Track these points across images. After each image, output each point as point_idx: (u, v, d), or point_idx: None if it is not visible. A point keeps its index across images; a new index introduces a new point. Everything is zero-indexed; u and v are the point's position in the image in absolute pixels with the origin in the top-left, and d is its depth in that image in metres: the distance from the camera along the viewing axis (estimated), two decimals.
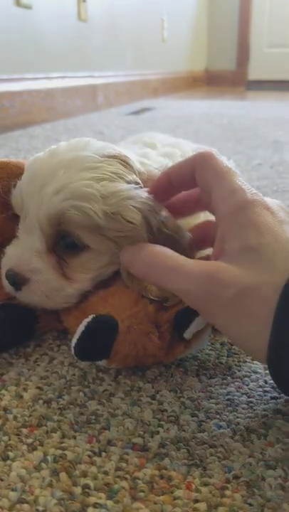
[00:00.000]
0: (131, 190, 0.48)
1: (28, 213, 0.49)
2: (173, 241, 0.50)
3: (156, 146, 0.69)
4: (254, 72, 5.01)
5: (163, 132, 0.85)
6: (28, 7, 2.02)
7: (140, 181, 0.50)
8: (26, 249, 0.49)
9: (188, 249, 0.50)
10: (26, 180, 0.50)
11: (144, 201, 0.49)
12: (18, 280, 0.49)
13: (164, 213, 0.51)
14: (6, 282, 0.50)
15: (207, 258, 0.51)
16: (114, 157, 0.50)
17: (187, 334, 0.45)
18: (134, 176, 0.50)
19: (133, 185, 0.49)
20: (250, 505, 0.34)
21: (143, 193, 0.49)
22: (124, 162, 0.51)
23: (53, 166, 0.49)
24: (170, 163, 0.57)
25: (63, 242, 0.49)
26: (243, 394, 0.45)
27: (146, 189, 0.50)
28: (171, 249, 0.48)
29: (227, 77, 5.08)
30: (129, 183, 0.49)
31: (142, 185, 0.50)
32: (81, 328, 0.45)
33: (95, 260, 0.49)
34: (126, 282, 0.49)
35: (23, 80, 2.04)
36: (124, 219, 0.47)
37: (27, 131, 1.95)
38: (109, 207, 0.47)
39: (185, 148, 0.71)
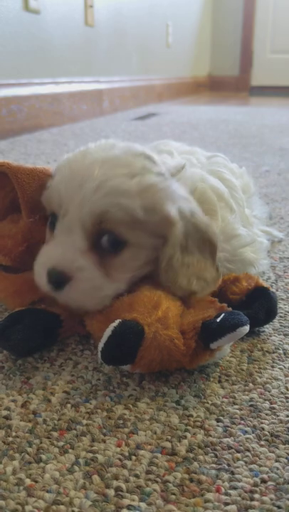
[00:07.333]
0: (162, 183, 0.51)
1: (68, 212, 0.50)
2: (201, 234, 0.52)
3: (173, 154, 0.71)
4: (257, 78, 5.03)
5: (169, 138, 0.87)
6: (36, 12, 2.03)
7: (166, 172, 0.53)
8: (68, 248, 0.49)
9: (214, 242, 0.52)
10: (64, 180, 0.51)
11: (175, 190, 0.52)
12: (61, 278, 0.48)
13: (193, 202, 0.54)
14: (43, 281, 0.50)
15: None
16: (139, 154, 0.53)
17: (214, 345, 0.46)
18: (160, 168, 0.53)
19: (162, 178, 0.52)
20: (279, 507, 0.35)
21: (173, 183, 0.53)
22: (149, 158, 0.53)
23: (87, 165, 0.50)
24: (187, 163, 0.59)
25: (107, 239, 0.49)
26: (265, 400, 0.46)
27: (173, 178, 0.53)
28: (198, 241, 0.51)
29: (230, 82, 5.10)
30: (157, 175, 0.52)
31: (169, 176, 0.53)
32: (108, 332, 0.46)
33: (134, 258, 0.51)
34: (160, 277, 0.51)
35: (30, 85, 2.06)
36: (161, 211, 0.50)
37: (34, 135, 1.96)
38: (145, 201, 0.49)
39: (200, 157, 0.73)
